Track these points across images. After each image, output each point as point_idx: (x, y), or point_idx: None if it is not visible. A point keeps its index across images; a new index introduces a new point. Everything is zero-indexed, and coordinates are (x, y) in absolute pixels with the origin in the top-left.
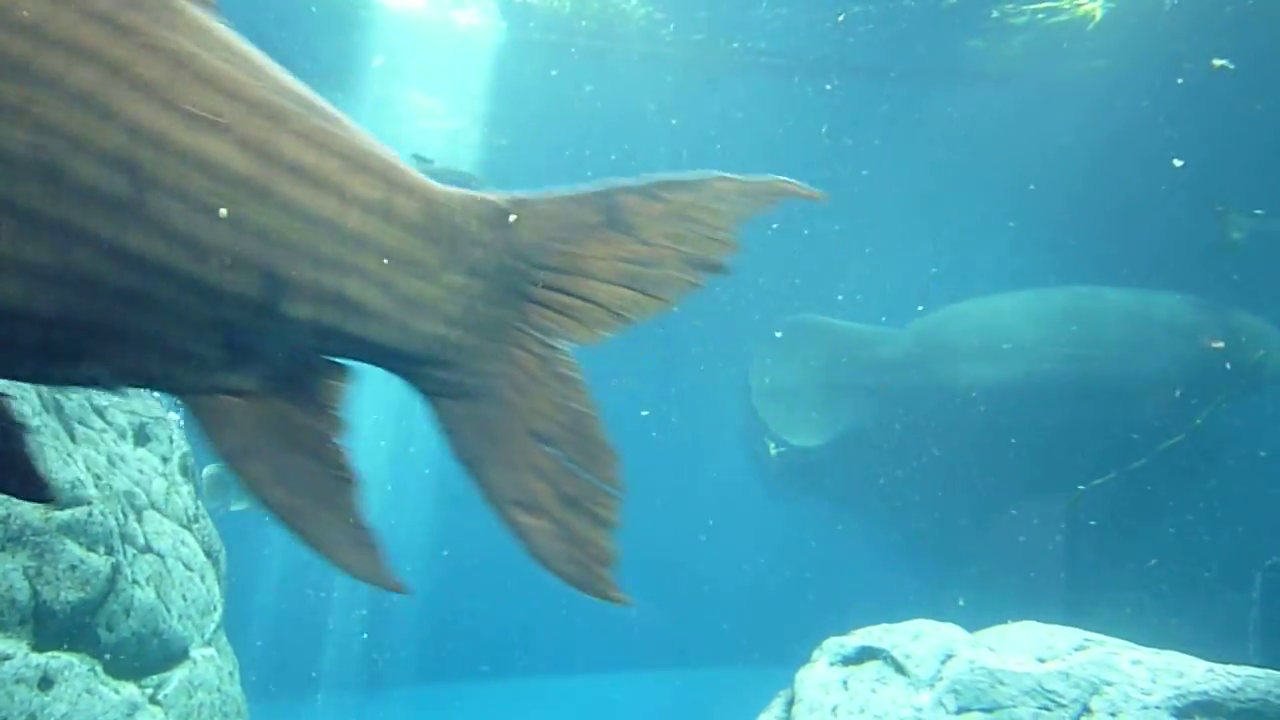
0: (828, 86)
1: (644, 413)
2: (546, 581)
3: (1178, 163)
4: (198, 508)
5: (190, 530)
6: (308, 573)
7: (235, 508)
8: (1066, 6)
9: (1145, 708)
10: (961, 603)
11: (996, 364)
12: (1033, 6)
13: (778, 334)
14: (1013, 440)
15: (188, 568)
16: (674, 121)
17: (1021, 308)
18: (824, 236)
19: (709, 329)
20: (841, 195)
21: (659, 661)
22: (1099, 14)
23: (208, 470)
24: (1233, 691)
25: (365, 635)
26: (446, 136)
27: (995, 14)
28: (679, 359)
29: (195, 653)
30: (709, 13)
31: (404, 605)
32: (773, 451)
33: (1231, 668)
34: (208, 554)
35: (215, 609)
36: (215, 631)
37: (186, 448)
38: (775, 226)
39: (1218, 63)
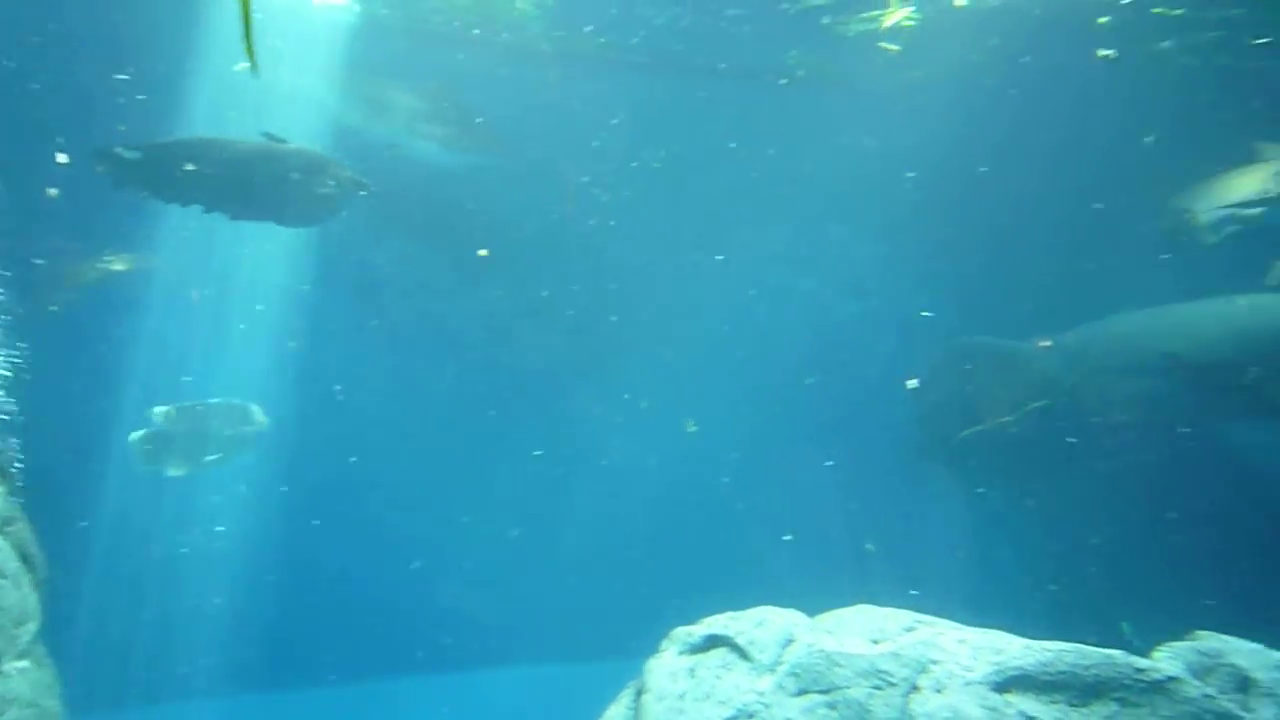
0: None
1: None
2: (391, 582)
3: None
4: (12, 510)
5: (3, 534)
6: (138, 579)
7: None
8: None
9: (968, 683)
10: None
11: (1154, 377)
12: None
13: (940, 357)
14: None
15: None
16: (536, 108)
17: (1176, 320)
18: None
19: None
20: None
21: (510, 658)
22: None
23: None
24: (1044, 665)
25: (200, 643)
26: (300, 117)
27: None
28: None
29: (7, 666)
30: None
31: (241, 612)
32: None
33: (1045, 643)
34: (23, 559)
35: (31, 618)
36: (31, 642)
37: (2, 446)
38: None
39: (1102, 52)
